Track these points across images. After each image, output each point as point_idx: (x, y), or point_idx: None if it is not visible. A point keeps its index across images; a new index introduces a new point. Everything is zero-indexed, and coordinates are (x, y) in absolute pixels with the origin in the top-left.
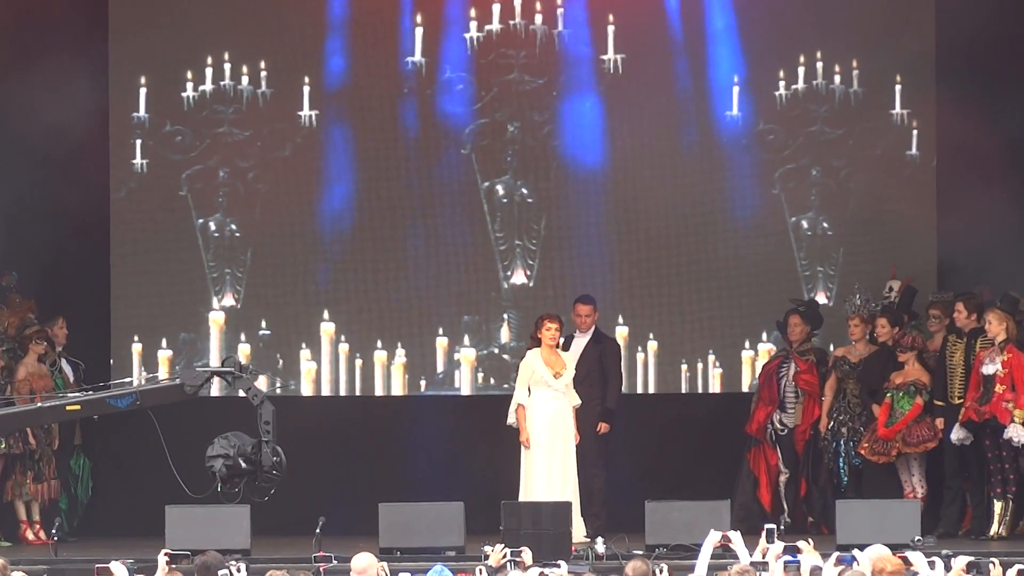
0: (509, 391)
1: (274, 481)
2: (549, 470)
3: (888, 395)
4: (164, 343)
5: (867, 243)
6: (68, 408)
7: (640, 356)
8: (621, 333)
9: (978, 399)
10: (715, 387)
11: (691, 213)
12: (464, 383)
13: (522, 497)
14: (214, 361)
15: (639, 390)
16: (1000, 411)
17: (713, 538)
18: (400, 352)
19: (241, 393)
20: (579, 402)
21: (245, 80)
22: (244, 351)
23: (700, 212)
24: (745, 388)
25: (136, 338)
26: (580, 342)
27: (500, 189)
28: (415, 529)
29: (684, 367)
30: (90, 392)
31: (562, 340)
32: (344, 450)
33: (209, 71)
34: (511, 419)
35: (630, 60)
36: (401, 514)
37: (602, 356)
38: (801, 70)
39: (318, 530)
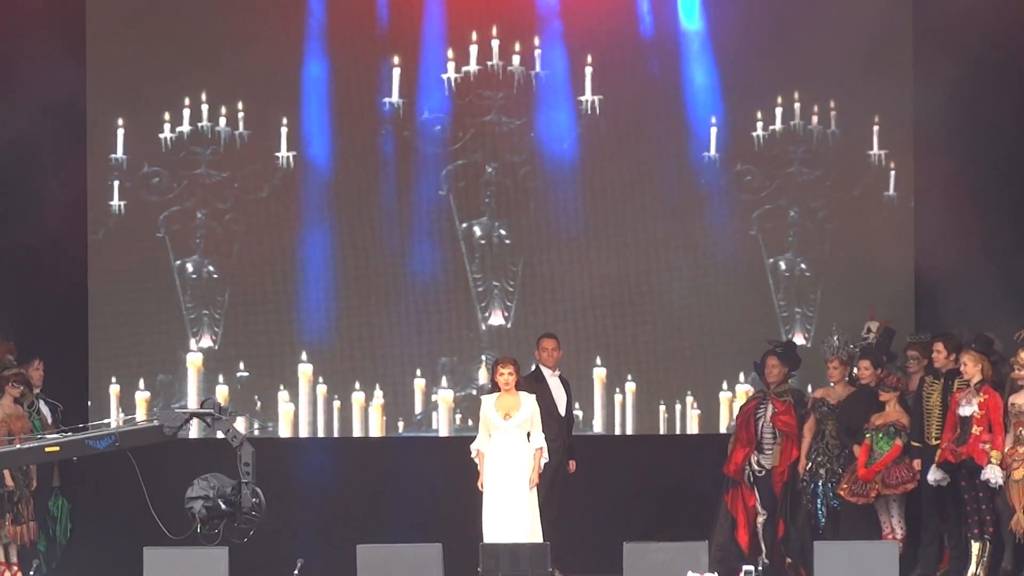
0: None
1: (254, 522)
2: (503, 513)
3: (868, 436)
4: (142, 384)
5: (845, 284)
6: (47, 450)
7: (618, 397)
8: (599, 374)
9: (955, 440)
10: (693, 428)
11: (669, 254)
12: (442, 424)
13: (485, 539)
14: (192, 402)
15: (617, 431)
16: (977, 452)
17: None
18: (378, 393)
19: (220, 435)
20: (542, 445)
21: (223, 121)
22: (222, 392)
23: (678, 253)
24: (723, 429)
25: (114, 379)
26: (556, 382)
27: (478, 230)
28: (393, 571)
29: (662, 408)
30: (69, 433)
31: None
32: (322, 491)
33: (187, 112)
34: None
35: (608, 101)
36: (379, 556)
37: (568, 393)
38: (779, 111)
39: (296, 572)
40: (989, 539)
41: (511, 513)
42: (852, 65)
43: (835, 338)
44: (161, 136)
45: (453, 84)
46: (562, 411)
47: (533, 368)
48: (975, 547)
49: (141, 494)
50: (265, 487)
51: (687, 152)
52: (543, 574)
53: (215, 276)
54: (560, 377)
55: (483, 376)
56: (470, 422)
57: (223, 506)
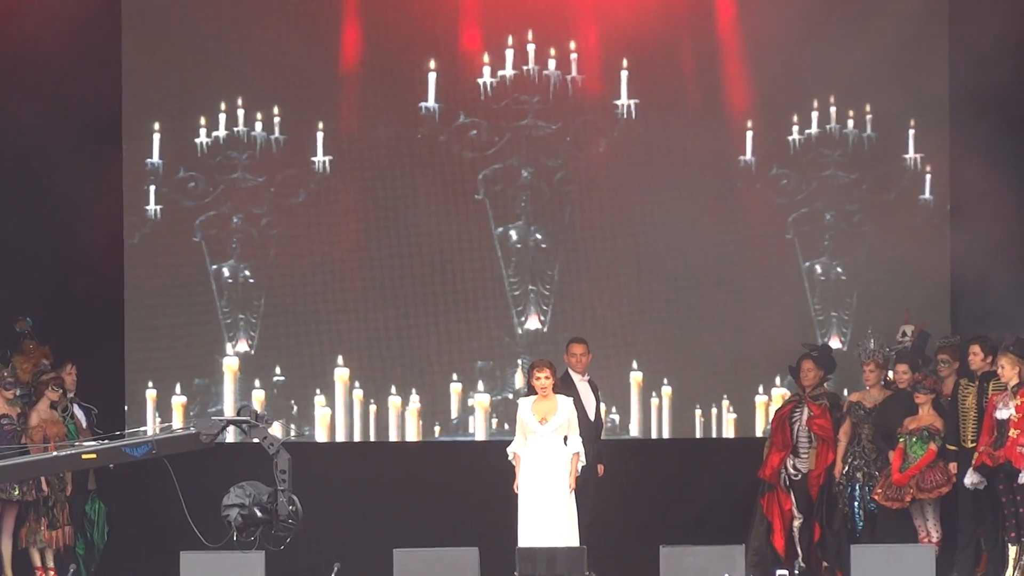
0: None
1: (290, 530)
2: (539, 517)
3: (901, 440)
4: (178, 389)
5: (880, 288)
6: (84, 457)
7: (655, 401)
8: (635, 378)
9: (992, 443)
10: (729, 432)
11: (704, 258)
12: (478, 429)
13: (520, 543)
14: (228, 408)
15: (653, 435)
16: (1014, 455)
17: None
18: (414, 398)
19: (256, 440)
20: (579, 449)
21: (259, 126)
22: (258, 397)
23: (713, 257)
24: (759, 433)
25: (150, 384)
26: (585, 386)
27: (514, 234)
28: (430, 575)
29: (698, 412)
30: (105, 441)
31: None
32: (359, 496)
33: (223, 117)
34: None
35: (643, 105)
36: (416, 560)
37: (597, 397)
38: (814, 115)
39: None
40: None
41: (548, 517)
42: (887, 69)
43: (871, 341)
44: (197, 141)
45: (489, 88)
46: (591, 415)
47: (562, 373)
48: (1012, 551)
49: (178, 498)
50: (301, 492)
51: (723, 156)
52: None
53: (251, 280)
54: (589, 381)
55: (519, 380)
56: (506, 426)
57: (259, 514)
